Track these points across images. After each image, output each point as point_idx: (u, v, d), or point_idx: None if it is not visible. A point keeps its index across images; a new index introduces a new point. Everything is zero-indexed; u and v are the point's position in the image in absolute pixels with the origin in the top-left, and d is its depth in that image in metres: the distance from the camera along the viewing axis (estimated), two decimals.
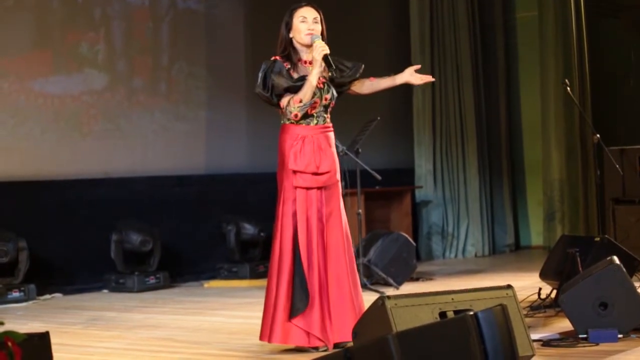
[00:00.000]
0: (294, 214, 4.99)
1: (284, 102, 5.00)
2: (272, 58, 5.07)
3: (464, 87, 10.94)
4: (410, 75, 5.19)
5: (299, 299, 4.94)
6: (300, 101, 4.96)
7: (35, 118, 8.25)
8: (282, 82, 4.98)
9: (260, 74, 5.02)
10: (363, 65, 5.26)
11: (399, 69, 5.25)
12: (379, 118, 8.06)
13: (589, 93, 10.62)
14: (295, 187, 5.00)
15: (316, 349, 4.94)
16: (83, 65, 8.60)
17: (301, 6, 5.09)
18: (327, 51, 4.96)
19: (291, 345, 5.00)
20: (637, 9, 10.74)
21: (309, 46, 5.04)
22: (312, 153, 5.01)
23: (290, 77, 5.00)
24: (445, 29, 10.89)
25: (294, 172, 4.99)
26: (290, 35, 5.06)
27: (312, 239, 4.98)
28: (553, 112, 10.70)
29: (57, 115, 8.39)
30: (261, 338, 5.01)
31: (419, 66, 5.25)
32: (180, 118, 9.28)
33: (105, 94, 8.73)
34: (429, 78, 5.20)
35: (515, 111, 11.63)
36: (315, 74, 4.95)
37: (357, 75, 5.24)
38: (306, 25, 5.02)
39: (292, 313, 4.93)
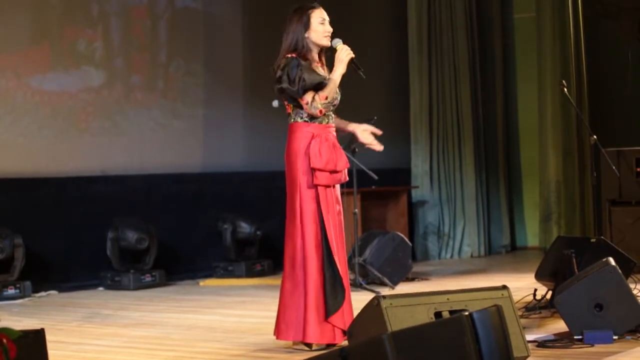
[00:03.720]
0: (315, 212, 4.97)
1: (307, 97, 4.98)
2: (288, 55, 5.03)
3: (461, 87, 10.93)
4: (362, 131, 5.25)
5: (333, 296, 4.91)
6: (326, 98, 4.99)
7: (33, 115, 8.24)
8: (315, 77, 4.98)
9: (283, 70, 4.97)
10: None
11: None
12: (375, 117, 8.05)
13: (586, 94, 10.62)
14: (316, 185, 5.00)
15: (309, 346, 4.94)
16: (80, 62, 8.59)
17: (316, 7, 5.10)
18: (353, 55, 5.04)
19: (324, 344, 4.94)
20: (634, 11, 10.75)
21: (325, 47, 5.07)
22: (329, 151, 5.02)
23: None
24: (443, 29, 10.89)
25: (314, 170, 4.99)
26: (306, 35, 5.05)
27: (335, 235, 5.00)
28: (550, 112, 10.69)
29: (55, 112, 8.38)
30: (293, 338, 4.95)
31: (379, 132, 5.26)
32: (177, 115, 9.27)
33: (102, 91, 8.73)
34: (378, 147, 5.23)
35: (512, 112, 11.63)
36: (339, 74, 5.02)
37: None
38: (324, 27, 5.06)
39: (330, 311, 4.89)
